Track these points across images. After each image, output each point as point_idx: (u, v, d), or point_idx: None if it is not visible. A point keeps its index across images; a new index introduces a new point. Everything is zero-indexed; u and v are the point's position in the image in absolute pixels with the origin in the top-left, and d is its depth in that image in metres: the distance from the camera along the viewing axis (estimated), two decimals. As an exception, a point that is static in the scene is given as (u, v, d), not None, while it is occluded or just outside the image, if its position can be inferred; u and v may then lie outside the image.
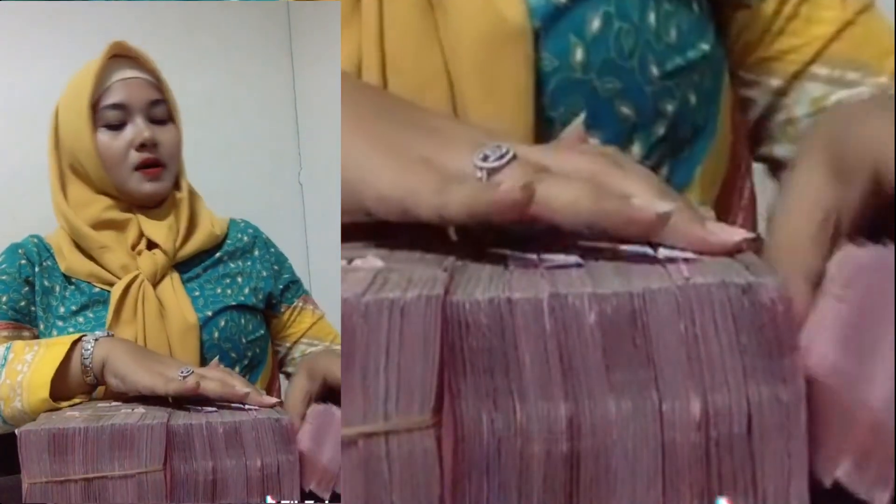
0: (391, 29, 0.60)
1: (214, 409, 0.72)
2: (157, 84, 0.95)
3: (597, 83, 0.60)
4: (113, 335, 0.82)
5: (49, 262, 0.95)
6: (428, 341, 0.36)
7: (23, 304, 0.92)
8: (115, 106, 0.91)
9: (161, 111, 0.94)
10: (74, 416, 0.67)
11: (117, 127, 0.91)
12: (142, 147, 0.91)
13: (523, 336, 0.36)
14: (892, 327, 0.34)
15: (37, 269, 0.93)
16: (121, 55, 0.94)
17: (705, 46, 0.63)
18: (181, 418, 0.66)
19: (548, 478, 0.37)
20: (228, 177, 1.61)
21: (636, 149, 0.63)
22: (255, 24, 1.91)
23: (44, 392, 0.74)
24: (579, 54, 0.60)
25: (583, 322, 0.36)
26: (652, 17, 0.60)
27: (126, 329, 0.88)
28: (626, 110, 0.61)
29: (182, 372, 0.72)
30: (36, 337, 0.92)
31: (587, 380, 0.37)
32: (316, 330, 1.06)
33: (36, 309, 0.93)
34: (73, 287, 0.93)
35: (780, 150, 0.72)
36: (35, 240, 0.98)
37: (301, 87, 1.94)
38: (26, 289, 0.93)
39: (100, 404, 0.74)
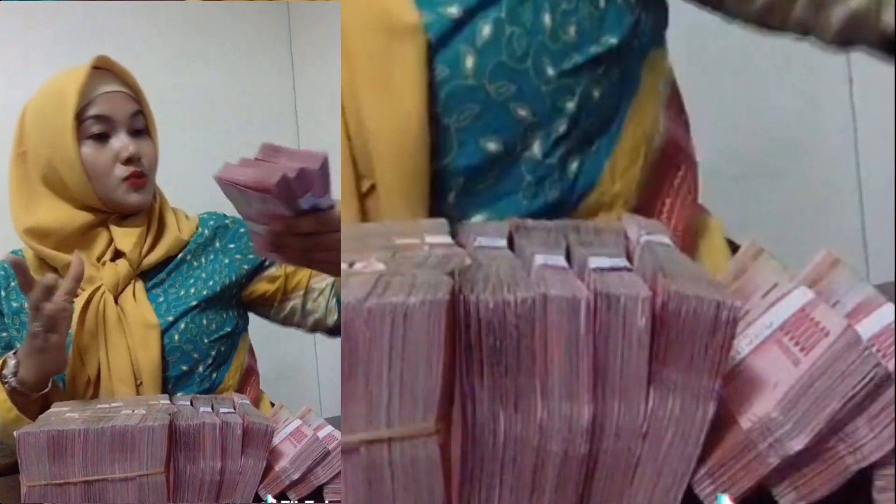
0: None
1: (209, 409, 0.72)
2: (137, 97, 0.97)
3: (490, 87, 0.61)
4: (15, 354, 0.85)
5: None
6: (431, 347, 0.35)
7: (3, 335, 0.95)
8: (100, 118, 0.93)
9: (140, 122, 0.96)
10: (73, 417, 0.67)
11: (100, 138, 0.93)
12: (128, 161, 0.94)
13: (555, 335, 0.37)
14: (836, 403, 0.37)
15: (3, 294, 0.96)
16: (101, 68, 0.95)
17: (612, 40, 0.63)
18: (184, 419, 0.66)
19: (562, 477, 0.38)
20: (228, 177, 1.60)
21: (536, 148, 0.64)
22: (255, 24, 1.90)
23: (13, 412, 0.81)
24: (469, 61, 0.61)
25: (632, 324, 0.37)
26: (547, 18, 0.61)
27: (89, 338, 0.91)
28: (522, 111, 0.62)
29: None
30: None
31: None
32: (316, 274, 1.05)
33: (10, 332, 0.95)
34: None
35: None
36: (9, 256, 0.99)
37: (301, 87, 1.93)
38: None
39: (99, 405, 0.74)
